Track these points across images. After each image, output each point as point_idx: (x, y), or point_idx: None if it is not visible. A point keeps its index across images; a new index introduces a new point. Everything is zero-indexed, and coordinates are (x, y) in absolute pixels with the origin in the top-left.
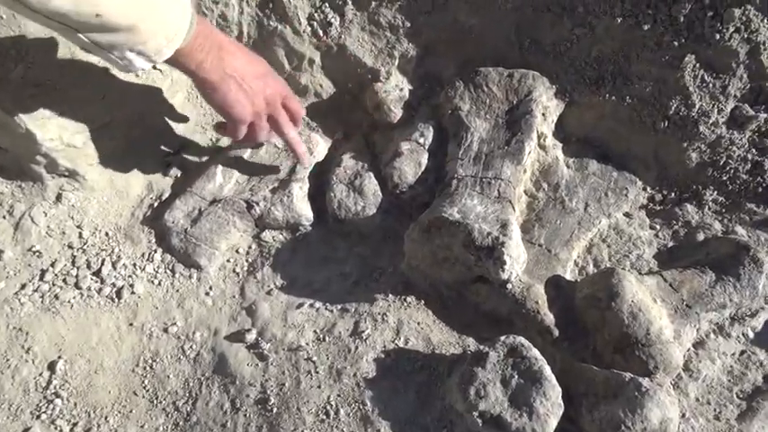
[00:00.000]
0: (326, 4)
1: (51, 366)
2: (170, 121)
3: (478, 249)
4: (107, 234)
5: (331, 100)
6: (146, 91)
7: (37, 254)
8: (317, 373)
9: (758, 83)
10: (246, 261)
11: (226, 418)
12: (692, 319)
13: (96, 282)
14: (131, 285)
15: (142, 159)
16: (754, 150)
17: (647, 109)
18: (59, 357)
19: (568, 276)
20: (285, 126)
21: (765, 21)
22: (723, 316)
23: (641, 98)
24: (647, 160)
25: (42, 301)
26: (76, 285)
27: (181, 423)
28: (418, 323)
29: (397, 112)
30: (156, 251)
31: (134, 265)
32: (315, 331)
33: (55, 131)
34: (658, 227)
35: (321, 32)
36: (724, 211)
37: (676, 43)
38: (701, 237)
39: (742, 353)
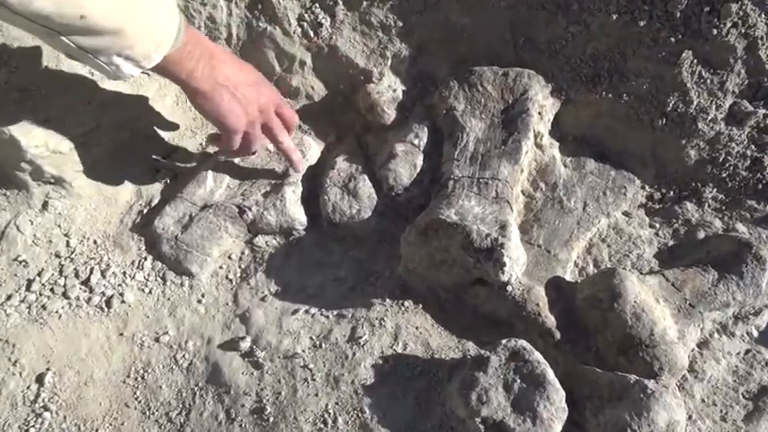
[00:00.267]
0: (317, 5)
1: (39, 379)
2: (159, 126)
3: (477, 251)
4: (95, 242)
5: (323, 102)
6: (133, 95)
7: (23, 263)
8: (314, 380)
9: (756, 78)
10: (239, 267)
11: (221, 428)
12: (695, 319)
13: (85, 291)
14: (121, 294)
15: (131, 165)
16: (753, 146)
17: (645, 106)
18: (48, 369)
19: (568, 277)
20: (279, 134)
21: (763, 15)
22: (727, 315)
23: (638, 95)
24: (645, 158)
25: (29, 312)
26: (64, 295)
27: None
28: (416, 328)
29: (390, 114)
30: (146, 259)
31: (124, 273)
32: (311, 338)
33: (40, 137)
34: (658, 225)
35: (312, 33)
36: (724, 208)
37: (673, 39)
38: (701, 235)
39: (747, 352)
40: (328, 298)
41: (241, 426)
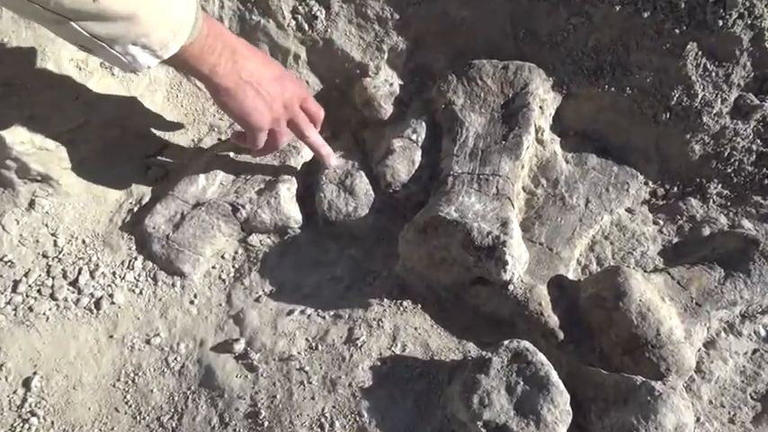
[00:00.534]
0: None
1: (26, 383)
2: (149, 122)
3: (478, 249)
4: (84, 241)
5: (318, 97)
6: (123, 90)
7: (9, 264)
8: (310, 383)
9: (762, 71)
10: (233, 267)
11: None
12: (702, 318)
13: (73, 292)
14: (111, 295)
15: (120, 162)
16: (759, 141)
17: (648, 100)
18: (35, 373)
19: (571, 276)
20: (306, 129)
21: None
22: (734, 313)
23: (641, 89)
24: (649, 153)
25: (16, 314)
26: (52, 296)
27: None
28: (415, 328)
29: (387, 108)
30: (136, 258)
31: (113, 273)
32: (307, 339)
33: (26, 134)
34: (662, 222)
35: (306, 26)
36: (729, 204)
37: (677, 31)
38: (706, 232)
39: (754, 351)
40: (324, 298)
41: (235, 430)
